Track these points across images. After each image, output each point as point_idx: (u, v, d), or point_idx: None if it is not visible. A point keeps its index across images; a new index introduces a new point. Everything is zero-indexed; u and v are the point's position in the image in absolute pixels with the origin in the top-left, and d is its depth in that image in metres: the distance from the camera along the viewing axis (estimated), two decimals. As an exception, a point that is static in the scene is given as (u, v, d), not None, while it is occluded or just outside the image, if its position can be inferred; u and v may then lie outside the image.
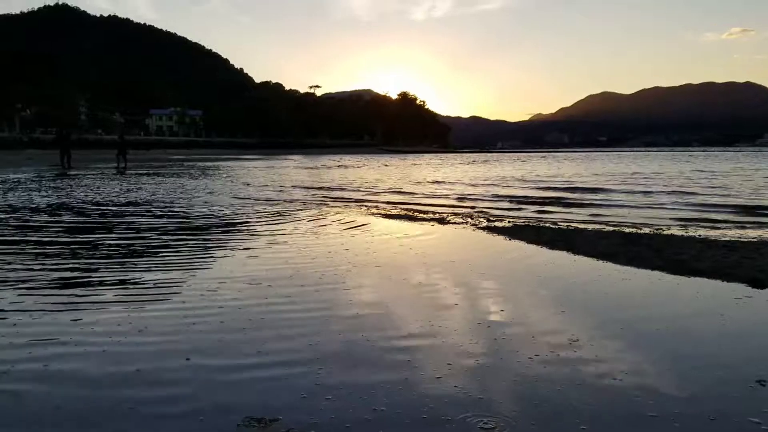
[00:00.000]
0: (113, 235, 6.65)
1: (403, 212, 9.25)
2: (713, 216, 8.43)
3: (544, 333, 2.99)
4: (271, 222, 7.96)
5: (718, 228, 7.02)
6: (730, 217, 8.36)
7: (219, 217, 8.65)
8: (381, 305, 3.58)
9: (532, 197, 12.30)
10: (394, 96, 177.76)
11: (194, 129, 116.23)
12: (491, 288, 4.06)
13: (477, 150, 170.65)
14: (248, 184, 16.66)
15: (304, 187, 15.65)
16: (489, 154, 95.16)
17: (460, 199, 12.20)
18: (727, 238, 6.03)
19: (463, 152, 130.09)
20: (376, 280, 4.33)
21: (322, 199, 12.06)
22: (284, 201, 11.49)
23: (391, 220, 8.34)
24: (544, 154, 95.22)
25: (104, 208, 9.79)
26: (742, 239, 5.99)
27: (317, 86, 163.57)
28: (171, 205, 10.44)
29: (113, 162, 30.44)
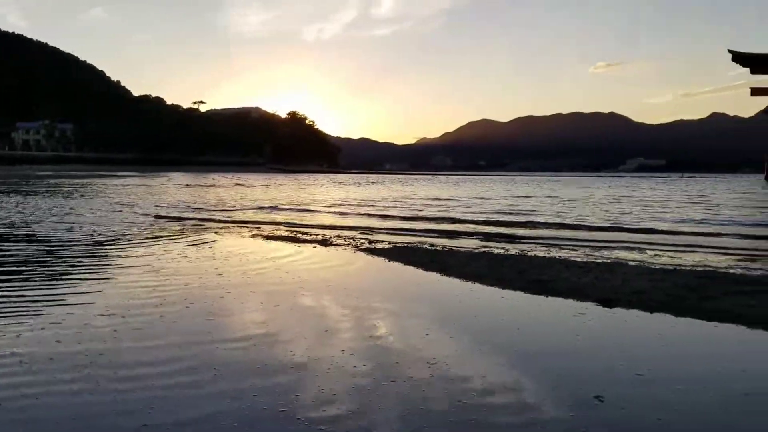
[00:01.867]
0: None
1: (285, 234, 9.14)
2: (574, 235, 9.10)
3: (410, 354, 3.05)
4: (140, 245, 7.55)
5: (576, 249, 7.58)
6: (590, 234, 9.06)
7: (81, 241, 8.07)
8: (251, 337, 3.49)
9: (416, 218, 12.63)
10: (283, 115, 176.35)
11: (65, 144, 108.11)
12: (363, 311, 4.08)
13: (366, 171, 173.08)
14: (120, 204, 15.72)
15: (182, 207, 15.03)
16: (378, 175, 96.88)
17: (344, 218, 12.27)
18: (584, 260, 6.52)
19: (352, 173, 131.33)
20: (249, 305, 4.22)
21: (200, 220, 11.65)
22: (159, 222, 10.96)
23: (272, 241, 8.21)
24: (429, 176, 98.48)
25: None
26: (597, 260, 6.51)
27: (201, 102, 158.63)
28: (28, 227, 9.59)
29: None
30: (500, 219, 12.68)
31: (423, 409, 2.35)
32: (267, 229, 9.82)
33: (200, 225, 10.47)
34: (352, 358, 2.96)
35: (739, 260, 6.59)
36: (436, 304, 4.41)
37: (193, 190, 26.27)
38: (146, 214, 12.55)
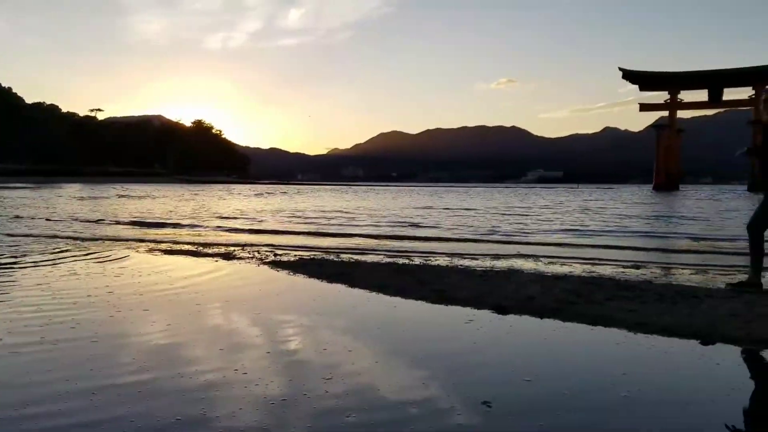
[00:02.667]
0: None
1: (186, 247, 8.81)
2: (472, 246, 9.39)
3: (306, 368, 3.00)
4: (25, 262, 7.01)
5: (476, 258, 7.82)
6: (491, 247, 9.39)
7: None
8: (136, 359, 3.31)
9: (322, 232, 12.59)
10: (188, 123, 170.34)
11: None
12: (261, 327, 3.99)
13: (276, 182, 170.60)
14: (6, 217, 14.55)
15: (76, 221, 14.15)
16: (289, 186, 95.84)
17: (251, 231, 12.02)
18: (483, 268, 6.73)
19: (262, 183, 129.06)
20: (141, 327, 4.01)
21: (94, 234, 11.01)
22: (47, 237, 10.24)
23: (171, 256, 7.89)
24: (341, 187, 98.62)
25: None
26: (495, 269, 6.74)
27: (99, 109, 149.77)
28: None
29: None
30: (405, 233, 12.89)
31: (311, 426, 2.32)
32: (167, 243, 9.42)
33: (95, 237, 9.89)
34: (244, 377, 2.88)
35: (624, 267, 7.04)
36: (338, 317, 4.39)
37: (91, 203, 24.81)
38: (45, 224, 11.68)
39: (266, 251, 8.45)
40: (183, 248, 8.71)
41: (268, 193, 48.61)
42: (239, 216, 17.13)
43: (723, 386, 2.87)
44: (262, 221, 15.22)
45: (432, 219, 16.64)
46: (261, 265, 7.01)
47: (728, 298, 4.76)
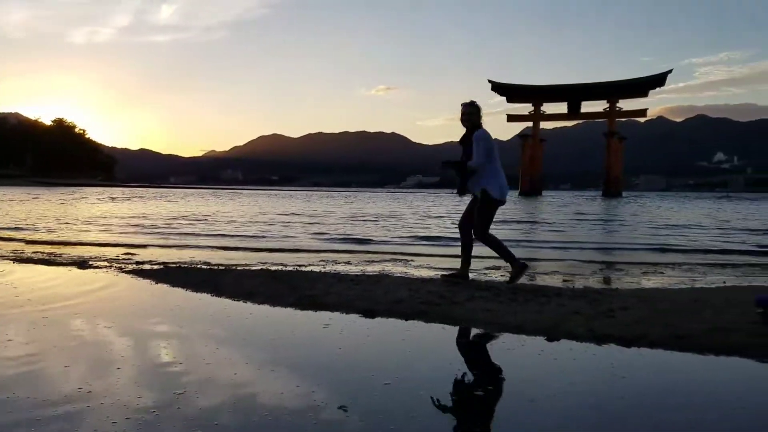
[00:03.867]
0: None
1: (38, 255, 8.07)
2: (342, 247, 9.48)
3: (156, 382, 2.85)
4: None
5: (350, 263, 7.90)
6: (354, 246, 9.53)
7: None
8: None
9: (200, 234, 12.11)
10: (48, 122, 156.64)
11: None
12: (114, 341, 3.73)
13: (147, 185, 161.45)
14: None
15: None
16: (160, 189, 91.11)
17: (112, 237, 11.27)
18: (355, 273, 6.81)
19: (131, 186, 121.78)
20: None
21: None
22: None
23: (20, 264, 7.20)
24: (217, 190, 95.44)
25: None
26: (367, 273, 6.84)
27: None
28: None
29: None
30: (280, 238, 12.75)
31: (161, 444, 2.21)
32: (8, 249, 8.58)
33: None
34: (89, 395, 2.68)
35: (486, 268, 7.44)
36: (201, 326, 4.21)
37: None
38: None
39: (126, 259, 7.98)
40: (31, 255, 7.97)
41: (144, 197, 45.89)
42: (106, 218, 16.01)
43: (557, 381, 3.10)
44: (128, 224, 14.34)
45: (318, 220, 16.58)
46: (120, 274, 6.58)
47: (575, 297, 5.17)
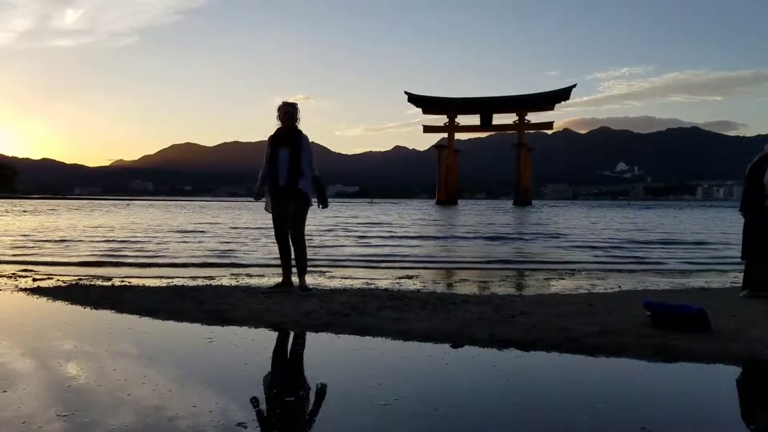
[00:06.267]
0: None
1: None
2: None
3: (45, 405, 2.69)
4: None
5: (263, 276, 7.78)
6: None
7: None
8: None
9: (100, 251, 11.54)
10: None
11: None
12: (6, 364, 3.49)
13: (51, 196, 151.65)
14: None
15: None
16: (64, 201, 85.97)
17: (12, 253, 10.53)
18: (268, 285, 6.70)
19: (33, 198, 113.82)
20: None
21: None
22: None
23: None
24: (127, 201, 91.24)
25: None
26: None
27: None
28: None
29: None
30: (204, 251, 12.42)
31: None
32: None
33: None
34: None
35: (399, 278, 7.55)
36: (98, 345, 4.00)
37: None
38: None
39: (24, 274, 7.53)
40: None
41: (42, 210, 43.04)
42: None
43: (447, 386, 3.19)
44: (20, 238, 13.41)
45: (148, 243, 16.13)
46: (16, 292, 6.17)
47: (481, 303, 5.35)
